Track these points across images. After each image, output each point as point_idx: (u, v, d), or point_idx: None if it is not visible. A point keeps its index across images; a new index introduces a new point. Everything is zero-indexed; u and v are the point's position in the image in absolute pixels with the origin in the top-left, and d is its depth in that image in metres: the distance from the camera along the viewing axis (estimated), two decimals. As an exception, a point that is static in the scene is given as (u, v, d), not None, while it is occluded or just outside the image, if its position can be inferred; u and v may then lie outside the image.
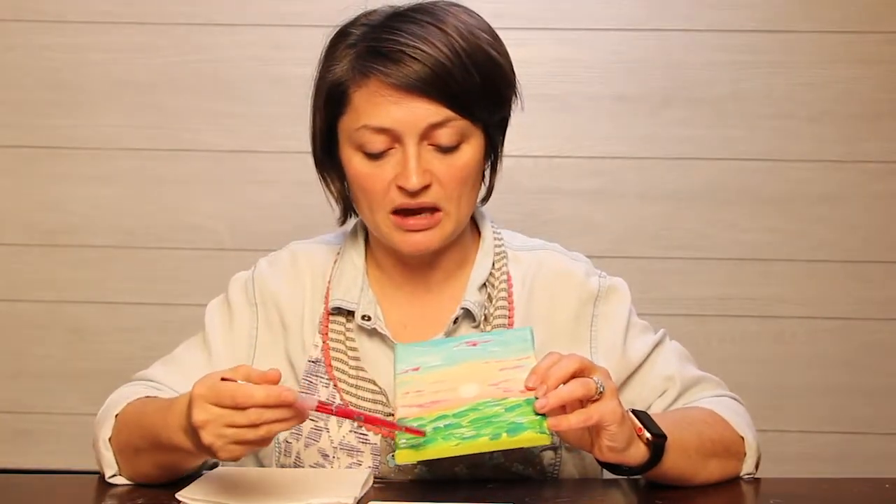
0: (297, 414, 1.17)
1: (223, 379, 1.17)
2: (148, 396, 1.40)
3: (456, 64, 1.33)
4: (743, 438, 1.39)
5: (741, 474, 1.40)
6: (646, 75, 2.20)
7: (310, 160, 1.48)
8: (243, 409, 1.15)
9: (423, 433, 1.20)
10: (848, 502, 1.35)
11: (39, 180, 2.25)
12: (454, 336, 1.42)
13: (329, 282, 1.47)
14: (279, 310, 1.47)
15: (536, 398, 1.20)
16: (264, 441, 1.18)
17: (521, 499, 1.28)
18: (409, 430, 1.20)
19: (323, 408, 1.19)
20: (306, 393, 1.39)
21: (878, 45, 2.18)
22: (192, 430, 1.19)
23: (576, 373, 1.21)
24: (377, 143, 1.35)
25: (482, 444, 1.19)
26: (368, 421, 1.24)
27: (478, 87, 1.35)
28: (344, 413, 1.21)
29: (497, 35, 1.40)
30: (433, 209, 1.36)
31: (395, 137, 1.35)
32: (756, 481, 1.40)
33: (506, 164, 1.49)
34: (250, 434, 1.16)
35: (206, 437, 1.17)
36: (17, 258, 2.27)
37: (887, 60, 2.19)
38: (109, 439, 1.37)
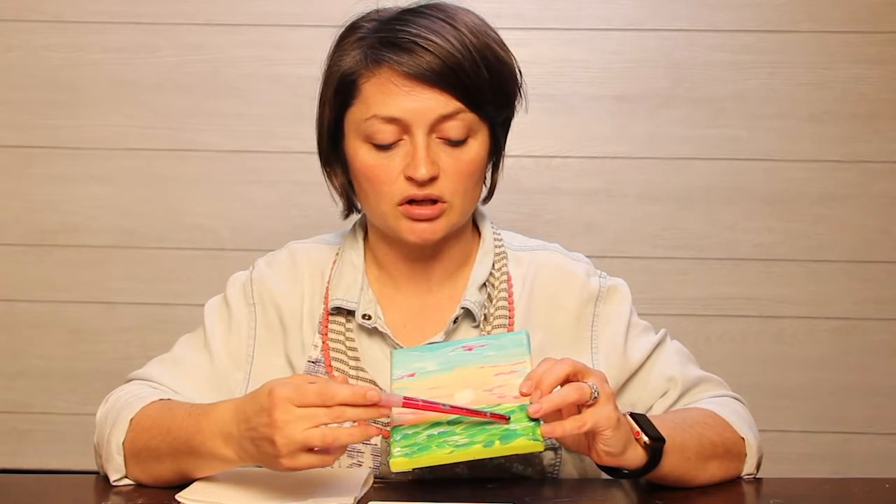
0: (378, 414, 1.18)
1: None
2: (162, 399, 1.39)
3: (466, 58, 1.34)
4: (744, 439, 1.39)
5: (742, 475, 1.40)
6: (646, 75, 2.20)
7: (309, 160, 1.48)
8: (328, 406, 1.16)
9: (507, 419, 1.19)
10: (848, 502, 1.35)
11: (39, 180, 2.25)
12: (453, 336, 1.42)
13: (328, 282, 1.47)
14: (278, 310, 1.47)
15: (530, 404, 1.20)
16: (330, 453, 1.18)
17: (521, 499, 1.28)
18: (494, 416, 1.19)
19: (409, 403, 1.19)
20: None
21: (879, 45, 2.18)
22: (251, 435, 1.19)
23: (569, 377, 1.21)
24: (386, 133, 1.36)
25: (475, 451, 1.18)
26: (454, 412, 1.21)
27: (487, 83, 1.36)
28: (430, 407, 1.20)
29: (502, 39, 1.42)
30: (437, 200, 1.37)
31: (404, 128, 1.35)
32: (757, 481, 1.40)
33: (506, 164, 1.50)
34: (319, 439, 1.15)
35: (279, 439, 1.16)
36: (17, 258, 2.27)
37: (888, 61, 2.19)
38: (123, 443, 1.35)
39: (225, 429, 1.23)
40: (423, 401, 1.20)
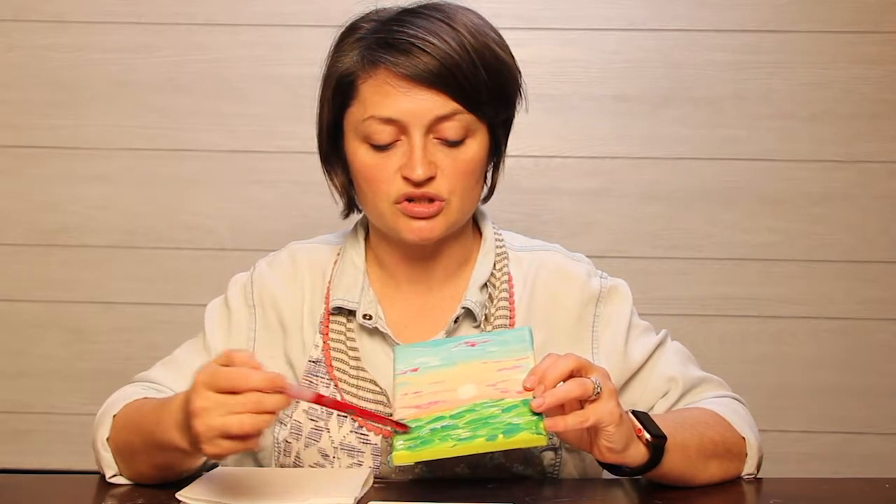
0: (287, 404, 1.18)
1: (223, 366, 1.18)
2: (146, 397, 1.40)
3: (464, 59, 1.34)
4: (744, 439, 1.39)
5: (742, 475, 1.40)
6: (646, 75, 2.20)
7: (309, 160, 1.48)
8: (240, 392, 1.15)
9: (406, 428, 1.22)
10: (848, 502, 1.35)
11: (39, 180, 2.25)
12: (455, 336, 1.42)
13: (329, 282, 1.47)
14: (278, 311, 1.47)
15: (534, 398, 1.20)
16: (250, 439, 1.17)
17: (521, 499, 1.28)
18: (395, 424, 1.22)
19: (319, 400, 1.21)
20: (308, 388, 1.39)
21: (878, 45, 2.19)
22: (187, 424, 1.19)
23: (573, 372, 1.22)
24: (384, 134, 1.36)
25: (478, 445, 1.19)
26: (362, 414, 1.25)
27: (485, 83, 1.36)
28: (336, 405, 1.23)
29: (503, 39, 1.42)
30: (434, 199, 1.37)
31: (401, 129, 1.35)
32: (757, 481, 1.40)
33: (506, 164, 1.50)
34: (237, 427, 1.15)
35: (198, 425, 1.16)
36: (17, 258, 2.27)
37: (887, 60, 2.19)
38: (108, 439, 1.37)
39: (177, 418, 1.23)
40: (333, 401, 1.24)
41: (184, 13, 2.23)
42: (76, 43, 2.24)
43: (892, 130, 2.19)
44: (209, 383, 1.17)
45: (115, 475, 1.37)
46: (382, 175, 1.37)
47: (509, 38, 1.43)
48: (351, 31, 1.41)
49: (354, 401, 1.40)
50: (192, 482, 1.30)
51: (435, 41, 1.33)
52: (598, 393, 1.21)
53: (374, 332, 1.43)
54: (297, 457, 1.42)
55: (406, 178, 1.35)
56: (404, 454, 1.20)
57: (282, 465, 1.43)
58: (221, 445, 1.17)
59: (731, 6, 2.19)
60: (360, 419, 1.38)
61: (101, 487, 1.37)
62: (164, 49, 2.23)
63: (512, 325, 1.43)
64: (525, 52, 2.17)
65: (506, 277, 1.46)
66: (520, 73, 1.43)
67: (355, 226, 1.52)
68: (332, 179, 1.48)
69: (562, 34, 2.21)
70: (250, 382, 1.16)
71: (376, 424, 1.37)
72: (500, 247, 1.49)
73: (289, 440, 1.42)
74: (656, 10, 2.20)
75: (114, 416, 1.38)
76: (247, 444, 1.18)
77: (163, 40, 2.23)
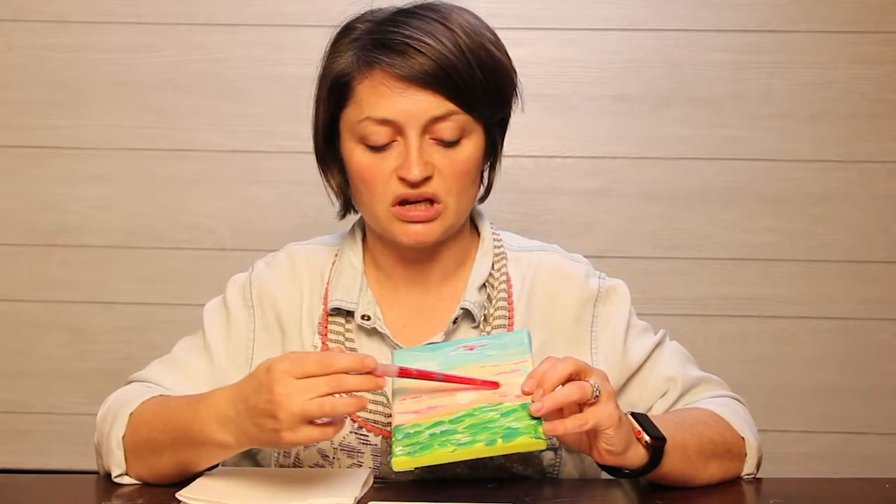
0: (375, 384, 1.19)
1: None
2: (162, 395, 1.40)
3: (460, 59, 1.34)
4: (744, 439, 1.39)
5: (742, 475, 1.40)
6: (646, 75, 2.20)
7: (309, 160, 1.48)
8: (328, 375, 1.16)
9: (497, 385, 1.23)
10: (848, 502, 1.35)
11: (39, 180, 2.25)
12: (453, 336, 1.42)
13: (327, 282, 1.47)
14: (276, 311, 1.47)
15: (532, 402, 1.20)
16: (332, 425, 1.18)
17: (521, 499, 1.28)
18: (485, 383, 1.23)
19: (405, 372, 1.21)
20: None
21: (879, 45, 2.18)
22: (255, 416, 1.18)
23: (571, 376, 1.22)
24: (380, 134, 1.36)
25: (478, 450, 1.19)
26: (449, 379, 1.23)
27: (480, 84, 1.36)
28: (425, 375, 1.23)
29: (499, 38, 1.41)
30: (432, 201, 1.37)
31: (397, 129, 1.35)
32: (756, 481, 1.40)
33: (505, 164, 1.50)
34: (317, 409, 1.15)
35: (281, 412, 1.16)
36: (17, 258, 2.27)
37: (887, 60, 2.18)
38: (123, 437, 1.36)
39: (221, 413, 1.24)
40: (418, 370, 1.22)
41: (184, 13, 2.23)
42: (76, 43, 2.24)
43: (892, 130, 2.19)
44: (293, 370, 1.17)
45: (120, 474, 1.36)
46: (379, 176, 1.37)
47: (508, 38, 1.43)
48: (346, 31, 1.41)
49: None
50: (192, 482, 1.30)
51: (430, 41, 1.33)
52: (597, 396, 1.21)
53: (373, 332, 1.43)
54: (296, 457, 1.42)
55: (402, 179, 1.35)
56: (404, 460, 1.20)
57: (281, 466, 1.43)
58: (303, 432, 1.18)
59: (731, 6, 2.19)
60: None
61: (101, 487, 1.37)
62: (164, 49, 2.23)
63: (511, 325, 1.43)
64: (524, 51, 2.17)
65: (504, 278, 1.46)
66: (515, 72, 1.43)
67: (353, 227, 1.51)
68: (328, 180, 1.48)
69: (561, 34, 2.21)
70: (338, 364, 1.17)
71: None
72: (499, 247, 1.49)
73: (288, 440, 1.41)
74: (656, 10, 2.20)
75: (130, 413, 1.36)
76: (326, 431, 1.19)
77: (163, 40, 2.23)
